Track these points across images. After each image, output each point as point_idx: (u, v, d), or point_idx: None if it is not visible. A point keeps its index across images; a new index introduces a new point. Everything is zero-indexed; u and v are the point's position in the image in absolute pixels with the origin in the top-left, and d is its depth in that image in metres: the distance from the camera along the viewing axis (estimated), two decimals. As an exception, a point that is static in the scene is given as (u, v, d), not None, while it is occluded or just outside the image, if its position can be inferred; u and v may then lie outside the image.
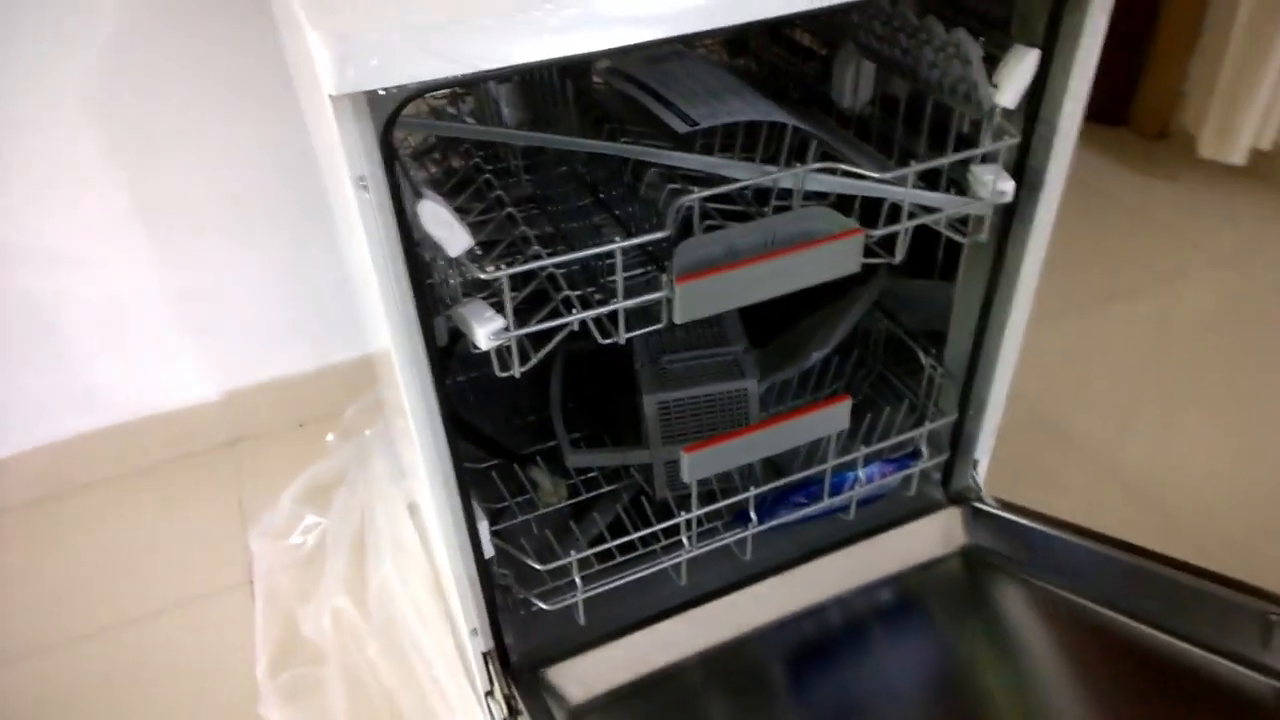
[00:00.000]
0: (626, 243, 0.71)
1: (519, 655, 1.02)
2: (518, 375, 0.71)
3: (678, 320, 0.73)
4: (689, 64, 0.93)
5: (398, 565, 1.32)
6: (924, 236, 0.87)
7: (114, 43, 1.27)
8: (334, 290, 1.58)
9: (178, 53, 1.31)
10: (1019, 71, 0.77)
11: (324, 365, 1.64)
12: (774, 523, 1.03)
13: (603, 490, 1.13)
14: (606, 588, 0.99)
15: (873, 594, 1.05)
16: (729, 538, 1.02)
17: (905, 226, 0.81)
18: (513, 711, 1.00)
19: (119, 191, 1.38)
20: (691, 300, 0.73)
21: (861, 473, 1.05)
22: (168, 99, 1.34)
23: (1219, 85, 2.11)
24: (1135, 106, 2.47)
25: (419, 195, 0.65)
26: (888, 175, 0.80)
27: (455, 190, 0.86)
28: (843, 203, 0.81)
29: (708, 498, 1.01)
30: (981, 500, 1.09)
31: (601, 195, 0.89)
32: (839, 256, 0.79)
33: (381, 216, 0.67)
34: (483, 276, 0.66)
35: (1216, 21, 2.18)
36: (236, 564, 1.44)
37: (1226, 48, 2.07)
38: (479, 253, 0.67)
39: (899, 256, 0.82)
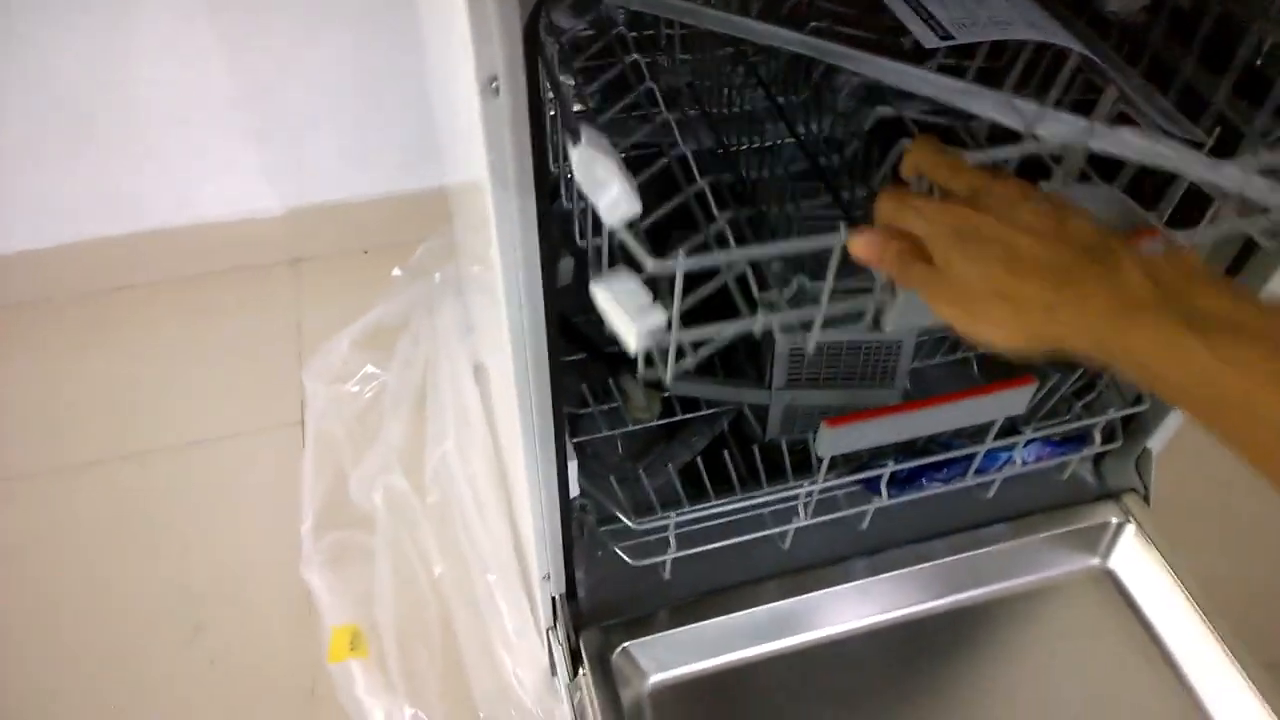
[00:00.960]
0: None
1: (589, 596, 0.91)
2: (667, 383, 0.55)
3: (886, 329, 0.55)
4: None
5: (459, 441, 1.20)
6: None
7: None
8: (413, 105, 1.38)
9: None
10: None
11: (395, 190, 1.47)
12: (905, 499, 0.88)
13: (699, 414, 0.98)
14: (700, 550, 0.86)
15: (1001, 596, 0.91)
16: (850, 511, 0.87)
17: (1220, 232, 0.60)
18: (575, 659, 0.90)
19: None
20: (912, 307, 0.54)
21: (1019, 455, 0.88)
22: None
23: None
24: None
25: (574, 135, 0.47)
26: (1230, 162, 0.55)
27: (602, 91, 0.66)
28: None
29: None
30: (1145, 498, 0.93)
31: (777, 99, 0.68)
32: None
33: (514, 133, 0.49)
34: (650, 269, 0.48)
35: None
36: (289, 400, 1.33)
37: None
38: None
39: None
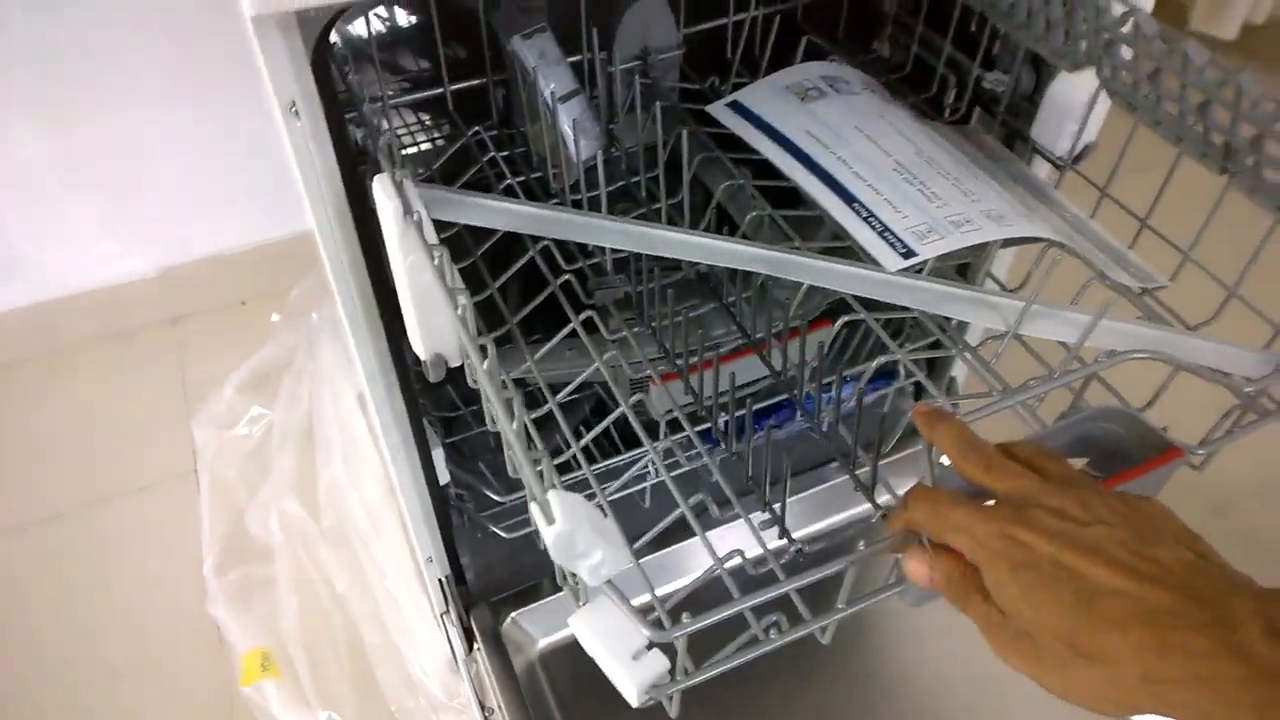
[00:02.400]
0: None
1: (478, 578, 0.97)
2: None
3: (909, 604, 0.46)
4: (855, 105, 0.62)
5: (348, 462, 1.25)
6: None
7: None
8: (274, 152, 1.44)
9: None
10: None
11: (266, 239, 1.53)
12: (740, 447, 0.95)
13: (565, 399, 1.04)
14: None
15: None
16: (697, 465, 0.93)
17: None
18: (469, 637, 0.95)
19: (28, 37, 1.22)
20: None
21: (835, 394, 0.95)
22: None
23: (1213, -48, 1.97)
24: (1123, -30, 2.32)
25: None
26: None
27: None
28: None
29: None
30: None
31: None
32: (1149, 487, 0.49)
33: (319, 150, 0.56)
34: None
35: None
36: (180, 452, 1.37)
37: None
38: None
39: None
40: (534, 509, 0.38)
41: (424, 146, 0.84)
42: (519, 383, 0.71)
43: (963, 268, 0.84)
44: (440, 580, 0.94)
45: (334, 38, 0.73)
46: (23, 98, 1.26)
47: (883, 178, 0.56)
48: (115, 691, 1.14)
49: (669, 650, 0.42)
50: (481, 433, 1.02)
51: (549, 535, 0.38)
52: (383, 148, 0.54)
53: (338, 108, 0.55)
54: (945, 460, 0.44)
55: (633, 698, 0.41)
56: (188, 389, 1.45)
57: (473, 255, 0.65)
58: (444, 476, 0.85)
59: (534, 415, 0.65)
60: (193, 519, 1.28)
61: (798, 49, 0.80)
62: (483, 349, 0.45)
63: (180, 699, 1.14)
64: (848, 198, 0.54)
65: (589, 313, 0.62)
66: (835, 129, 0.59)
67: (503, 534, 0.92)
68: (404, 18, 0.80)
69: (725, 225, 0.68)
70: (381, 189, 0.51)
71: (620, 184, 0.71)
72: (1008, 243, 0.56)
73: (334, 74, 0.63)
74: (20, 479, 1.36)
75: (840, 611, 0.45)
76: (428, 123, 0.84)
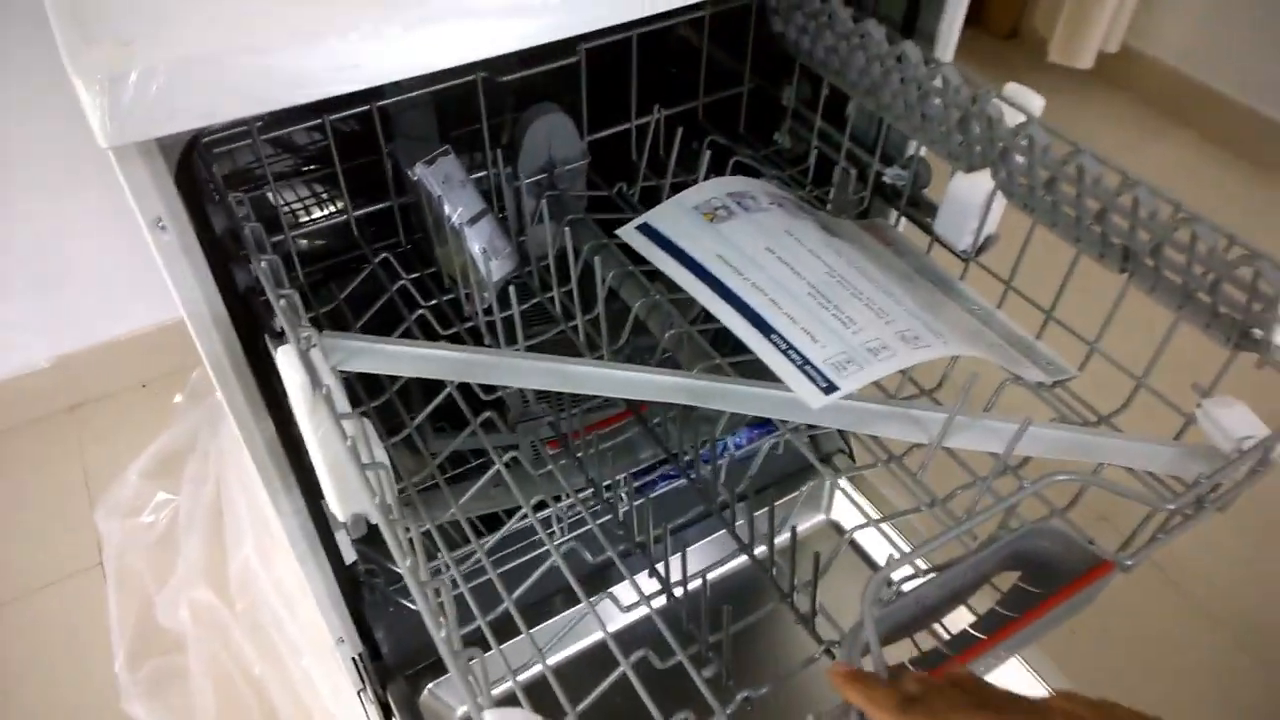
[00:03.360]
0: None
1: (393, 651, 0.93)
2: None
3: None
4: (763, 223, 0.61)
5: (258, 544, 1.19)
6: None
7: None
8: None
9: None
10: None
11: (164, 320, 1.44)
12: (639, 502, 0.93)
13: (472, 464, 1.01)
14: (477, 583, 0.90)
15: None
16: (593, 521, 0.91)
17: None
18: (386, 712, 0.91)
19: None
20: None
21: (730, 441, 0.95)
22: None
23: (1069, -12, 2.04)
24: (988, 6, 2.39)
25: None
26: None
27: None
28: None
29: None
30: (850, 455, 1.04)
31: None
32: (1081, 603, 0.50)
33: (189, 262, 0.53)
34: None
35: (1069, -77, 2.10)
36: (85, 545, 1.28)
37: (1076, -50, 2.00)
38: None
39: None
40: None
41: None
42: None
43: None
44: (354, 658, 0.90)
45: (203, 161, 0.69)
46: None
47: (798, 303, 0.55)
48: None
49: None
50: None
51: None
52: (284, 308, 0.50)
53: (213, 233, 0.52)
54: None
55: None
56: (89, 479, 1.36)
57: (388, 392, 0.62)
58: (349, 556, 0.83)
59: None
60: (102, 613, 1.20)
61: (701, 147, 0.79)
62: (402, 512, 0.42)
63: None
64: (765, 328, 0.53)
65: (513, 452, 0.59)
66: (746, 251, 0.58)
67: (413, 606, 0.88)
68: (300, 135, 0.76)
69: (644, 338, 0.66)
70: (286, 360, 0.48)
71: (535, 301, 0.69)
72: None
73: (231, 207, 0.59)
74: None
75: None
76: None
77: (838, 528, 1.09)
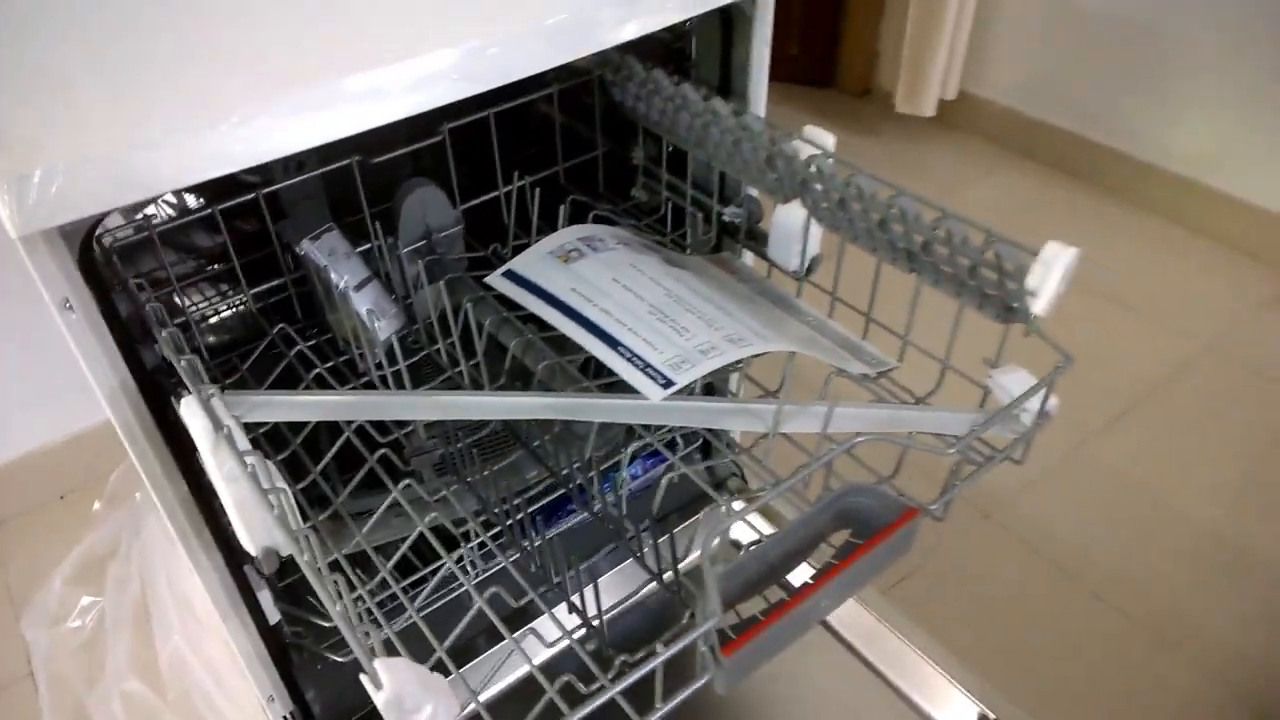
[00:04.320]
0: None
1: (326, 708, 0.96)
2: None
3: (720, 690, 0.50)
4: (610, 260, 0.69)
5: (186, 632, 1.21)
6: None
7: None
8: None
9: None
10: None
11: (79, 430, 1.47)
12: (551, 533, 1.00)
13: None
14: (399, 627, 0.94)
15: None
16: (507, 559, 0.96)
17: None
18: (327, 772, 0.94)
19: None
20: (740, 670, 0.50)
21: (626, 472, 1.01)
22: None
23: (906, 44, 2.24)
24: (839, 68, 2.59)
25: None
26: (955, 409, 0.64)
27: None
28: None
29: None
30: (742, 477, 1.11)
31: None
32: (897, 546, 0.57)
33: (97, 338, 0.59)
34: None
35: (898, -12, 2.30)
36: (14, 656, 1.28)
37: (908, 9, 2.19)
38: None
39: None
40: (364, 679, 0.42)
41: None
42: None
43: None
44: (284, 717, 0.93)
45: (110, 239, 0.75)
46: None
47: (640, 321, 0.64)
48: None
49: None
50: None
51: (379, 700, 0.42)
52: (185, 368, 0.56)
53: (120, 319, 0.58)
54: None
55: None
56: (13, 591, 1.36)
57: (291, 444, 0.68)
58: (273, 617, 0.85)
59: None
60: (34, 722, 1.20)
61: (563, 207, 0.88)
62: (306, 537, 0.48)
63: None
64: (613, 343, 0.61)
65: (407, 480, 0.66)
66: (596, 284, 0.66)
67: (342, 659, 0.92)
68: (197, 227, 0.83)
69: (525, 376, 0.74)
70: (189, 410, 0.54)
71: (423, 353, 0.76)
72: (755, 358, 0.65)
73: (132, 290, 0.66)
74: None
75: (660, 710, 0.50)
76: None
77: (737, 545, 1.17)
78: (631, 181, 0.97)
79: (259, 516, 0.55)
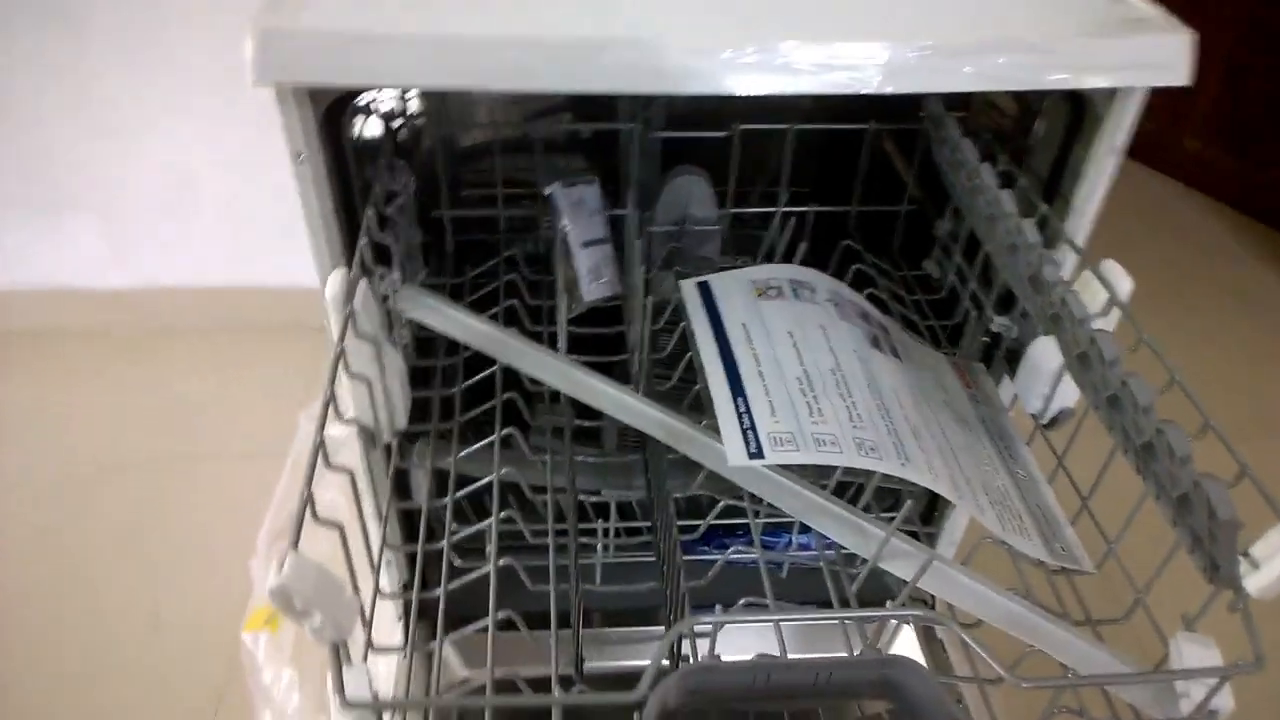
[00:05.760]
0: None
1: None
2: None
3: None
4: (803, 312, 0.62)
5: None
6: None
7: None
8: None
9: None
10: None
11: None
12: (692, 558, 0.93)
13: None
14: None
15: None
16: (640, 556, 0.88)
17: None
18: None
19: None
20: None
21: (796, 538, 0.89)
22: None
23: None
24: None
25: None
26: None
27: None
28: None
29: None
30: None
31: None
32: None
33: (317, 192, 0.63)
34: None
35: None
36: (285, 434, 1.49)
37: None
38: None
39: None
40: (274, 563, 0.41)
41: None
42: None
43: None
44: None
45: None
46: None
47: (780, 382, 0.57)
48: (155, 629, 1.26)
49: None
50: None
51: (268, 584, 0.40)
52: (364, 246, 0.60)
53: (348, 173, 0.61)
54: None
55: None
56: (308, 385, 1.59)
57: (457, 354, 0.70)
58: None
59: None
60: (269, 493, 1.39)
61: (837, 248, 0.82)
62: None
63: (200, 628, 1.27)
64: (737, 389, 0.56)
65: (511, 429, 0.66)
66: (768, 328, 0.61)
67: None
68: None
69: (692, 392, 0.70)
70: (334, 281, 0.57)
71: (619, 330, 0.75)
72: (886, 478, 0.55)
73: (382, 170, 0.71)
74: (136, 430, 1.54)
75: None
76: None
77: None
78: (927, 250, 0.88)
79: (365, 393, 0.58)
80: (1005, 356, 0.75)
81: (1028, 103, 0.73)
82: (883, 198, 0.87)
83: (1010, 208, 0.63)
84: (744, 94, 0.52)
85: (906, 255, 0.89)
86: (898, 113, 0.81)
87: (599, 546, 0.81)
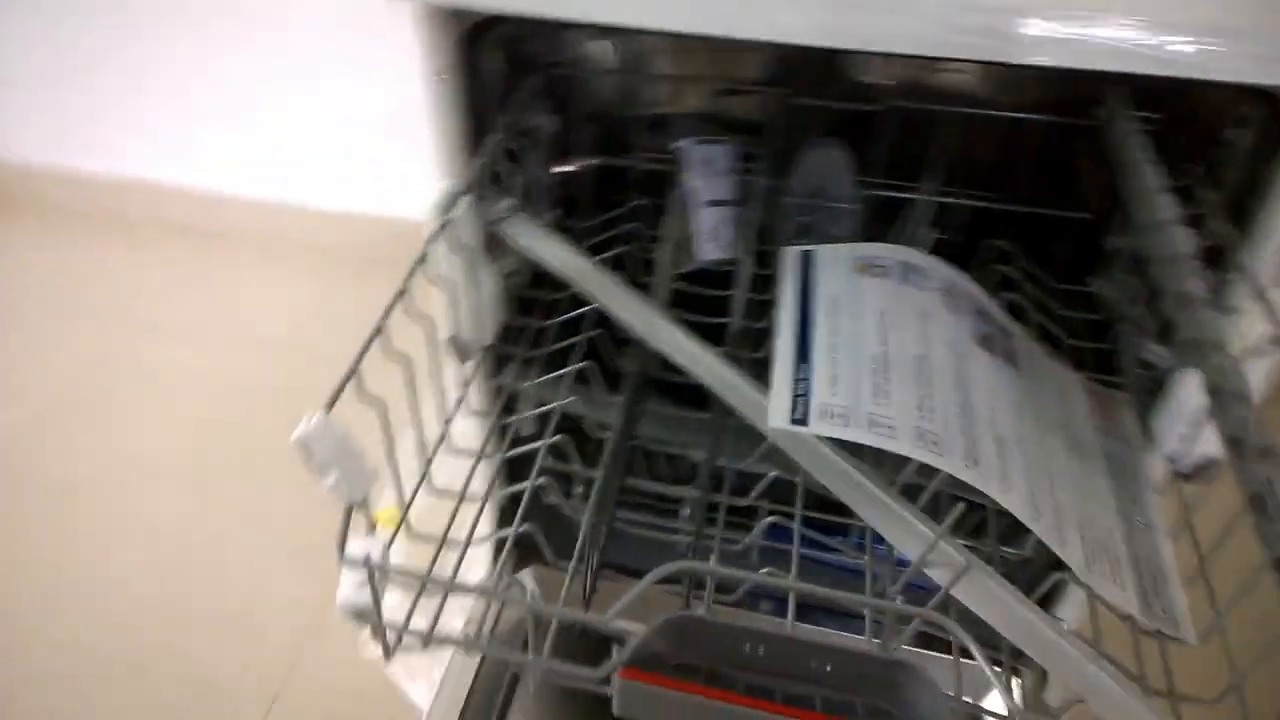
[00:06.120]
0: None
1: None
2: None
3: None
4: (904, 295, 0.58)
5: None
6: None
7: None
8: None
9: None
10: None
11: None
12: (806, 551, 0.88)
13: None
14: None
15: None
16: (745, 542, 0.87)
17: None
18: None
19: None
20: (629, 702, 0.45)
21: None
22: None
23: None
24: None
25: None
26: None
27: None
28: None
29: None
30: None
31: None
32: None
33: (454, 109, 0.65)
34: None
35: None
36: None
37: None
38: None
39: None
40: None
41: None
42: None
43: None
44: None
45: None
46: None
47: (852, 359, 0.52)
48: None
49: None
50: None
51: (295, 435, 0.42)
52: (480, 169, 0.61)
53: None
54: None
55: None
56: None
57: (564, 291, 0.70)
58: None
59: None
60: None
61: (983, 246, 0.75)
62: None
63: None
64: (803, 355, 0.52)
65: (584, 363, 0.65)
66: (858, 306, 0.56)
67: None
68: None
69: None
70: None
71: (728, 294, 0.72)
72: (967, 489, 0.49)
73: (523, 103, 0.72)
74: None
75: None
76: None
77: None
78: (1093, 267, 0.78)
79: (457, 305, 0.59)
80: (1153, 389, 0.66)
81: (1225, 106, 0.64)
82: (1049, 201, 0.79)
83: (1169, 214, 0.55)
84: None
85: (1069, 268, 0.80)
86: (1074, 107, 0.73)
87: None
